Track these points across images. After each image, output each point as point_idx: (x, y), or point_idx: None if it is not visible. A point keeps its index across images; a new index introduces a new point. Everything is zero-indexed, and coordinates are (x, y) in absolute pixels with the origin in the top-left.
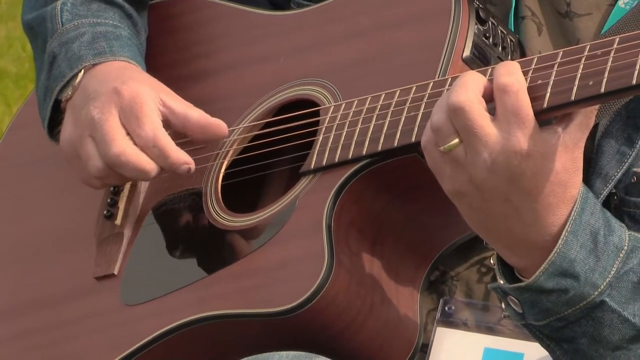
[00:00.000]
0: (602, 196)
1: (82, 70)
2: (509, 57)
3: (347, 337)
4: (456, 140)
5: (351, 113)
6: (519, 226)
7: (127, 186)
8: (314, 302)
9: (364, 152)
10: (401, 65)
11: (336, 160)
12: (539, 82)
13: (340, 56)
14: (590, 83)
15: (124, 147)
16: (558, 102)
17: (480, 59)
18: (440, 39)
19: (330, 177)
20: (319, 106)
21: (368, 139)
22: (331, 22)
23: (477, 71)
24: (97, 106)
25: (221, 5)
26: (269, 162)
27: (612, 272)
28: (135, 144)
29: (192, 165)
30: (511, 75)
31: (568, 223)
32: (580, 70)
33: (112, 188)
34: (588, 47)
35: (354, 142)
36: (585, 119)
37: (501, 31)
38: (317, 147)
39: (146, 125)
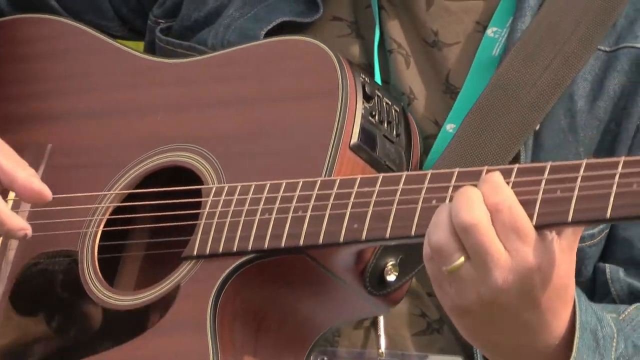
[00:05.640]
0: None
1: None
2: (394, 131)
3: None
4: (462, 260)
5: (234, 200)
6: (528, 338)
7: None
8: None
9: (249, 248)
10: (288, 149)
11: (220, 251)
12: (526, 197)
13: (223, 124)
14: (587, 207)
15: None
16: (552, 221)
17: (367, 143)
18: (328, 125)
19: (213, 267)
20: (197, 176)
21: (253, 235)
22: (214, 82)
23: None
24: None
25: (91, 36)
26: (143, 228)
27: None
28: None
29: (29, 231)
30: (499, 193)
31: (577, 330)
32: (576, 191)
33: None
34: (584, 165)
35: (237, 236)
36: None
37: (386, 103)
38: (200, 234)
39: None
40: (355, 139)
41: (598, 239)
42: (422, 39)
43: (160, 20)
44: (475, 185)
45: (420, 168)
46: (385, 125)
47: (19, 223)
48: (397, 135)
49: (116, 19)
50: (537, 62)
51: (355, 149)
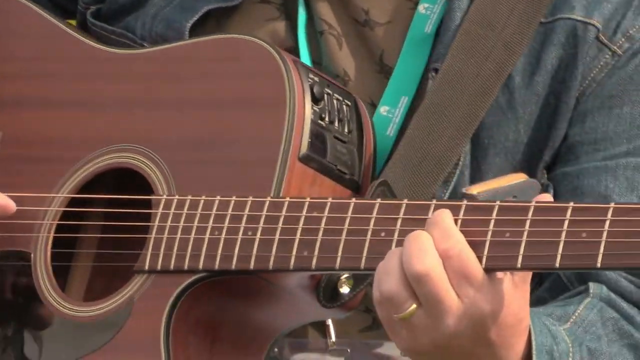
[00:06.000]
0: None
1: None
2: (345, 128)
3: None
4: (414, 307)
5: (184, 215)
6: None
7: None
8: None
9: (200, 267)
10: (237, 160)
11: (171, 268)
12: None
13: (172, 127)
14: (541, 254)
15: None
16: (501, 266)
17: (317, 151)
18: (276, 137)
19: (166, 284)
20: (145, 178)
21: (203, 254)
22: (166, 80)
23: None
24: None
25: (38, 15)
26: (93, 235)
27: None
28: None
29: None
30: (450, 238)
31: (534, 355)
32: (525, 236)
33: None
34: (532, 208)
35: (188, 254)
36: None
37: (337, 100)
38: (150, 249)
39: None
40: (304, 149)
41: None
42: (353, 19)
43: (91, 6)
44: (424, 221)
45: (374, 162)
46: (336, 124)
47: None
48: (349, 131)
49: (48, 4)
50: (479, 52)
51: (304, 159)
